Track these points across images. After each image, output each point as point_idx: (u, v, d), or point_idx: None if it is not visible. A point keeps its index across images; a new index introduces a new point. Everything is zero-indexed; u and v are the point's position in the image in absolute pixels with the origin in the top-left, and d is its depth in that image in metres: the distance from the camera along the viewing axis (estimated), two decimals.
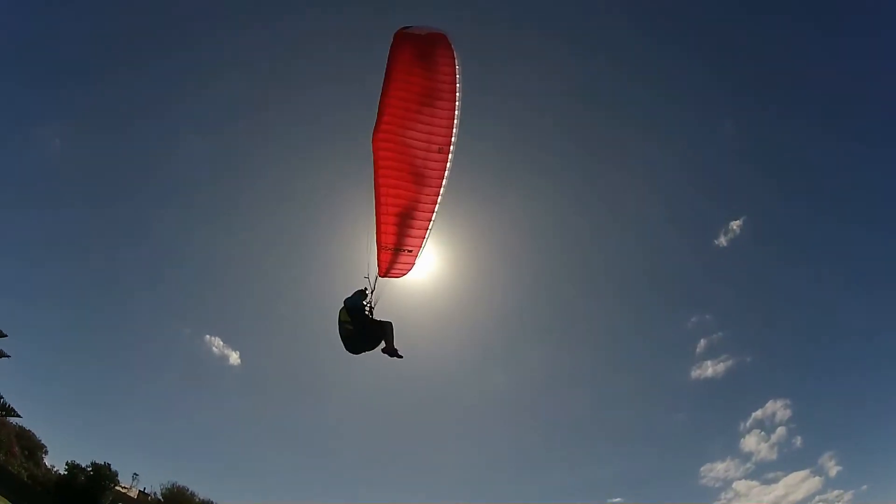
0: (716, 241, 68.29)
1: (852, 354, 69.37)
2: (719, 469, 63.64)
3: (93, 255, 75.56)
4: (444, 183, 7.78)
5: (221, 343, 70.56)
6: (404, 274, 8.18)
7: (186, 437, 67.92)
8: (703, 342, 68.56)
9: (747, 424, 63.91)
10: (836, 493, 58.86)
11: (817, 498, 59.01)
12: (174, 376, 74.24)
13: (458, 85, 7.76)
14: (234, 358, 69.35)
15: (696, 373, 68.22)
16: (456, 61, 7.76)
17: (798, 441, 62.61)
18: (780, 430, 62.19)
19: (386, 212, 7.83)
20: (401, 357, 8.14)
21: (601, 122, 78.87)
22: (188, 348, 72.42)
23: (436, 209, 7.85)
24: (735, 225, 67.29)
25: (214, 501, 46.05)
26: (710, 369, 66.84)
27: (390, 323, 8.27)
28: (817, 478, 59.98)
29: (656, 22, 70.88)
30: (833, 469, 60.06)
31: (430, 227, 7.92)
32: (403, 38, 7.70)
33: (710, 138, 72.27)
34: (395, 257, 8.00)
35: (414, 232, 7.91)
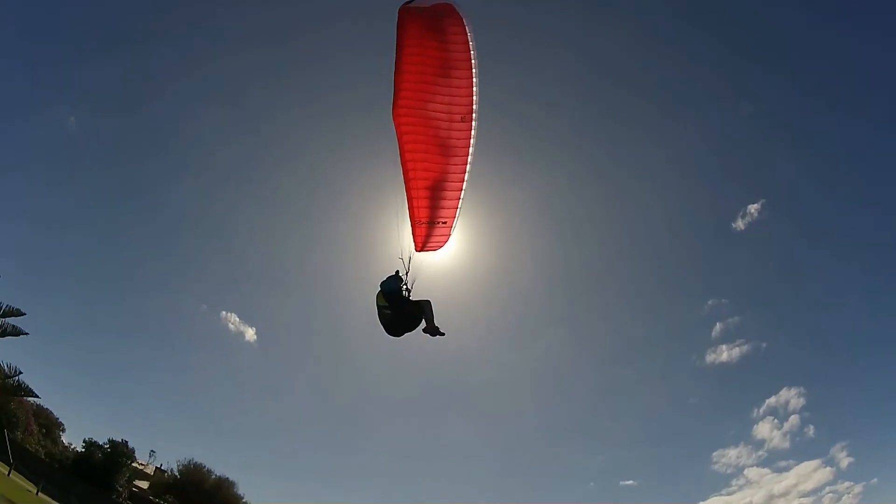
0: (734, 225, 67.88)
1: (870, 344, 68.88)
2: (731, 455, 64.09)
3: (110, 234, 76.18)
4: (471, 152, 7.85)
5: (238, 319, 70.09)
6: (440, 247, 8.28)
7: (202, 414, 68.60)
8: (718, 326, 68.50)
9: (761, 411, 64.27)
10: (846, 484, 59.63)
11: (828, 489, 59.48)
12: (191, 353, 74.64)
13: (472, 52, 7.75)
14: (250, 335, 69.13)
15: (710, 357, 68.42)
16: (467, 28, 7.73)
17: (811, 430, 62.87)
18: (794, 419, 62.43)
19: (416, 186, 7.88)
20: (443, 334, 8.21)
21: (619, 106, 77.91)
22: (205, 325, 72.12)
23: (465, 178, 7.94)
24: (753, 208, 66.99)
25: (230, 478, 48.34)
26: (724, 354, 67.04)
27: (428, 301, 8.31)
28: (828, 468, 60.10)
29: (677, 1, 69.49)
30: (844, 460, 60.33)
31: (461, 198, 8.01)
32: (408, 12, 7.65)
33: (729, 120, 71.56)
34: (430, 231, 8.09)
35: (446, 203, 7.99)
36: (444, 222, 8.05)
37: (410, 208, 8.00)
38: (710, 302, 71.46)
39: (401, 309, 8.31)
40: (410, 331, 8.38)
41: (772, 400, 63.36)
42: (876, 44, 65.06)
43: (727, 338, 69.50)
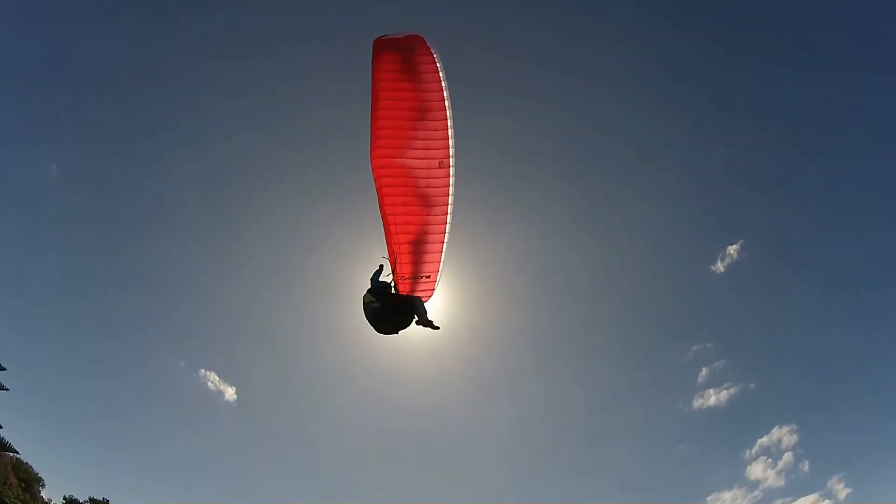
0: (713, 268, 66.86)
1: (857, 375, 67.85)
2: (726, 498, 62.24)
3: (90, 289, 73.81)
4: (450, 201, 7.33)
5: (217, 378, 68.67)
6: (425, 301, 7.78)
7: (183, 473, 66.82)
8: (704, 371, 66.82)
9: (753, 452, 62.70)
10: None
11: None
12: (171, 412, 72.76)
13: (445, 92, 7.23)
14: (230, 394, 67.86)
15: (698, 402, 66.74)
16: (439, 66, 7.20)
17: (805, 466, 61.37)
18: (787, 456, 60.92)
19: (398, 241, 7.37)
20: (437, 328, 7.57)
21: (594, 150, 76.78)
22: (183, 383, 70.65)
23: (447, 229, 7.41)
24: (732, 249, 65.71)
25: None
26: (712, 398, 65.56)
27: (419, 297, 7.78)
28: (827, 502, 58.85)
29: (651, 46, 69.91)
30: (842, 492, 58.71)
31: (444, 250, 7.49)
32: (383, 47, 7.12)
33: (704, 162, 71.28)
34: (413, 286, 7.59)
35: (429, 257, 7.49)
36: (428, 276, 7.54)
37: (393, 264, 7.47)
38: (694, 347, 70.20)
39: (390, 303, 7.66)
40: (404, 327, 7.67)
41: (763, 440, 62.28)
42: (845, 85, 65.84)
43: (714, 382, 68.81)
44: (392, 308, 7.66)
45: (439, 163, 7.18)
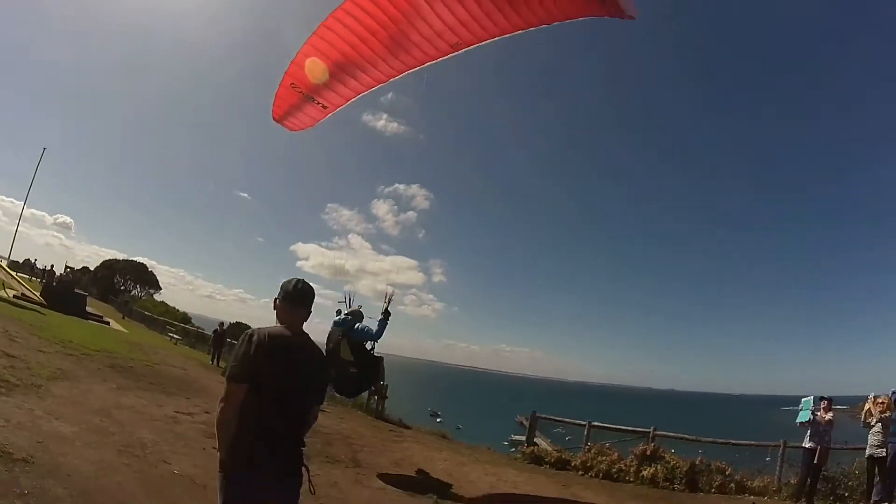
0: None
1: (515, 183, 66.76)
2: (344, 213, 58.94)
3: None
4: (418, 71, 5.45)
5: None
6: (301, 129, 5.95)
7: None
8: (391, 97, 53.35)
9: (386, 191, 58.81)
10: (430, 297, 63.70)
11: (413, 290, 62.64)
12: None
13: None
14: None
15: (367, 118, 54.52)
16: None
17: (422, 234, 62.06)
18: (411, 215, 60.37)
19: (328, 49, 5.09)
20: (385, 398, 9.15)
21: None
22: None
23: (385, 83, 5.59)
24: None
25: None
26: (381, 122, 54.83)
27: (381, 358, 7.26)
28: (422, 275, 62.78)
29: None
30: (437, 276, 63.78)
31: (362, 95, 5.70)
32: None
33: None
34: (301, 104, 5.64)
35: (341, 89, 5.56)
36: (325, 107, 5.73)
37: (295, 65, 5.26)
38: None
39: (363, 366, 6.95)
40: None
41: (401, 187, 63.87)
42: None
43: (393, 112, 61.82)
44: (364, 374, 7.05)
45: (456, 43, 5.06)
